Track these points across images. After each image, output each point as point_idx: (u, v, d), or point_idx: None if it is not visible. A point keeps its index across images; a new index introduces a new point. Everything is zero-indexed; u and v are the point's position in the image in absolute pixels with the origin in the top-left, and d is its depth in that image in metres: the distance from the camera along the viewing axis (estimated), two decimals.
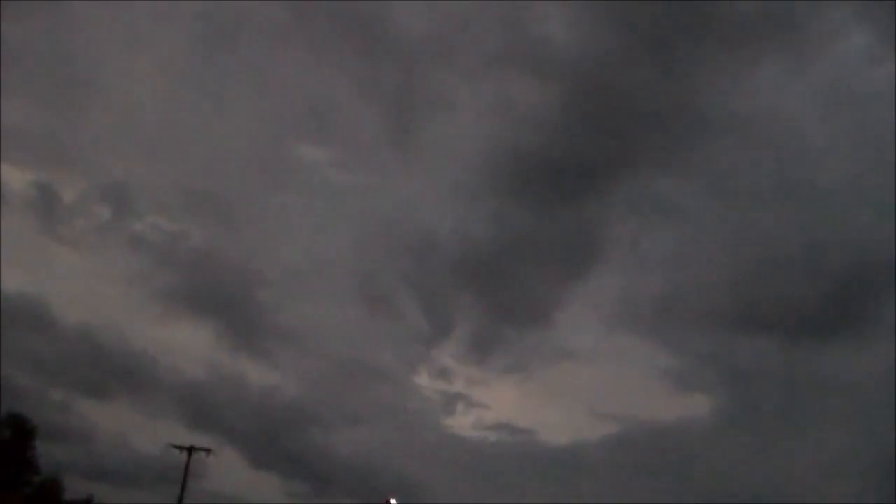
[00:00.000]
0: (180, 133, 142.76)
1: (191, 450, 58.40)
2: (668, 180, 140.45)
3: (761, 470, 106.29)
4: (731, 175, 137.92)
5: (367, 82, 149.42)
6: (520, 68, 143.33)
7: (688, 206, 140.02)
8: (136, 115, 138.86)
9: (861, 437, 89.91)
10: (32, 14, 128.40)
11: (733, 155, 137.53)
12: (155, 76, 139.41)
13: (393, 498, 46.29)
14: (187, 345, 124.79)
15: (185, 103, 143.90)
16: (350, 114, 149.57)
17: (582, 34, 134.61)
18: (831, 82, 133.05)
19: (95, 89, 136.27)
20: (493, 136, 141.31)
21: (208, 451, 59.25)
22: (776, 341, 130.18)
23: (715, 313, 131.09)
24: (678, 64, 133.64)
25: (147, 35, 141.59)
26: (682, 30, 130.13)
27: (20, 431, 69.18)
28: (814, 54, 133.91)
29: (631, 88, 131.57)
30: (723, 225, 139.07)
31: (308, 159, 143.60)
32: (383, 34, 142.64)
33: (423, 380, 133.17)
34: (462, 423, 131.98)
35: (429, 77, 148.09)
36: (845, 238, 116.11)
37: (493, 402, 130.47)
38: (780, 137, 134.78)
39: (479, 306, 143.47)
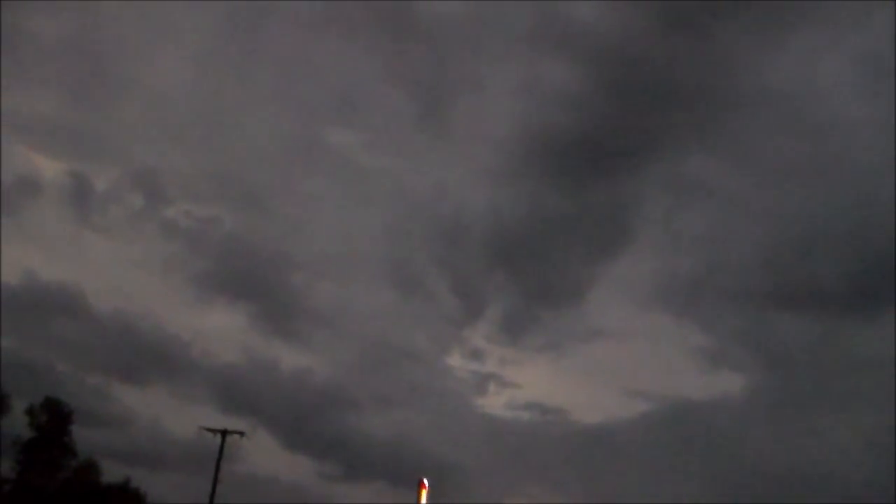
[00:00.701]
0: (211, 119, 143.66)
1: (224, 433, 58.70)
2: (701, 158, 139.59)
3: (794, 448, 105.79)
4: (763, 152, 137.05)
5: (396, 65, 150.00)
6: (549, 48, 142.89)
7: (720, 183, 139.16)
8: (167, 102, 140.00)
9: (894, 414, 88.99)
10: (63, 6, 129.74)
11: (766, 131, 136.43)
12: (185, 63, 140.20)
13: (425, 478, 46.17)
14: (221, 329, 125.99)
15: (214, 90, 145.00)
16: (380, 97, 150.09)
17: (611, 12, 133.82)
18: (864, 56, 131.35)
19: (126, 78, 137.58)
20: (524, 117, 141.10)
21: (242, 434, 59.56)
22: (809, 319, 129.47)
23: (748, 291, 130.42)
24: (709, 40, 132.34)
25: (176, 23, 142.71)
26: (712, 5, 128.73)
27: (57, 416, 70.04)
28: (847, 28, 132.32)
29: (661, 66, 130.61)
30: (756, 202, 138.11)
31: (339, 143, 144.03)
32: (412, 16, 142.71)
33: (455, 360, 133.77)
34: (494, 402, 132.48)
35: (458, 58, 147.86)
36: (880, 214, 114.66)
37: (525, 381, 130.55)
38: (813, 113, 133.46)
39: (510, 286, 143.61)
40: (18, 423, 68.51)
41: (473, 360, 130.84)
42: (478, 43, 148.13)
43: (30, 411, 69.18)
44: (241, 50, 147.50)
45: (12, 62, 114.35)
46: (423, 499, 46.24)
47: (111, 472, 74.79)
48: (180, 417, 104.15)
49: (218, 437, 58.56)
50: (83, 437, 72.43)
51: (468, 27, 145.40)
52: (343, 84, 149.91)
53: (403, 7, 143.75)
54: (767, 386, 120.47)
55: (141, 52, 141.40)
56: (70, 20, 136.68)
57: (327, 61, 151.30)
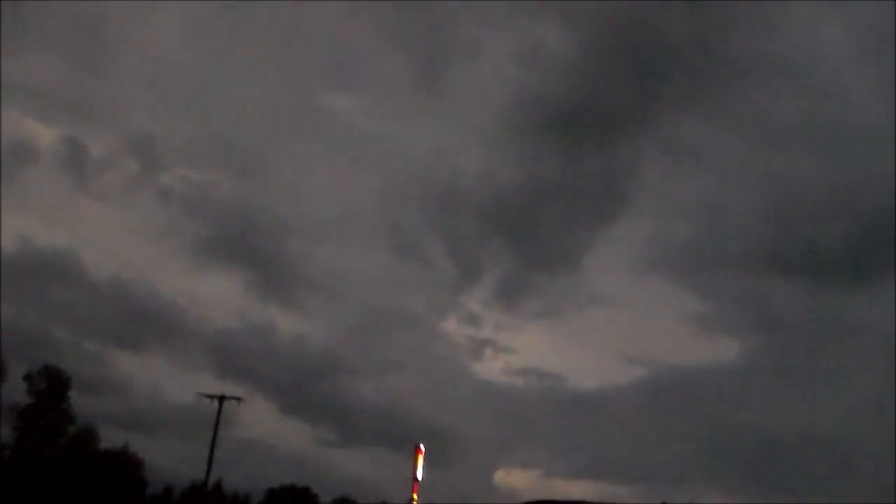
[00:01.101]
0: (207, 85, 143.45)
1: (221, 398, 58.85)
2: (697, 124, 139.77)
3: (789, 412, 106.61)
4: (761, 117, 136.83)
5: (393, 29, 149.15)
6: (547, 14, 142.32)
7: (717, 149, 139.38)
8: (163, 68, 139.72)
9: (888, 380, 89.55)
10: None
11: (763, 97, 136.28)
12: (181, 29, 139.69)
13: (422, 443, 46.53)
14: (217, 295, 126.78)
15: (210, 55, 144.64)
16: (376, 61, 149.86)
17: None
18: (864, 22, 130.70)
19: (121, 44, 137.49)
20: (520, 82, 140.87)
21: (239, 399, 59.75)
22: (804, 285, 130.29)
23: (743, 257, 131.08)
24: (707, 6, 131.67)
25: None
26: None
27: (56, 383, 70.12)
28: None
29: (659, 31, 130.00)
30: (752, 168, 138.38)
31: (334, 107, 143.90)
32: None
33: (451, 326, 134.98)
34: (490, 368, 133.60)
35: (456, 24, 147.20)
36: (876, 183, 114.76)
37: (521, 347, 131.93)
38: (811, 80, 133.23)
39: (507, 252, 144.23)
40: (17, 390, 68.76)
41: (470, 326, 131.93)
42: (475, 9, 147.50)
43: (28, 378, 69.27)
44: (238, 15, 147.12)
45: (8, 29, 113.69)
46: (420, 463, 46.69)
47: (109, 438, 75.39)
48: (178, 383, 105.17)
49: (215, 403, 58.77)
50: (81, 403, 72.88)
51: None
52: (340, 49, 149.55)
53: None
54: (762, 351, 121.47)
55: (137, 18, 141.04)
56: None
57: (324, 26, 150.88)
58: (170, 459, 79.82)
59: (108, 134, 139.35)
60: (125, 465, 74.23)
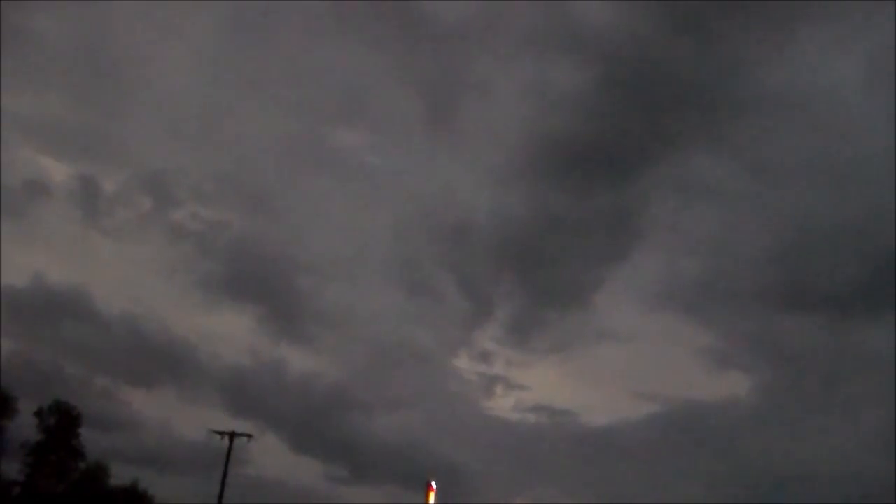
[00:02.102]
0: (218, 122, 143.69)
1: (232, 435, 58.87)
2: (708, 159, 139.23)
3: (803, 448, 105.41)
4: (771, 153, 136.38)
5: (402, 65, 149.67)
6: (557, 50, 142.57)
7: (728, 184, 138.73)
8: (175, 104, 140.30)
9: None
10: (71, 8, 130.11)
11: (773, 132, 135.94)
12: (192, 65, 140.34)
13: (433, 480, 46.17)
14: (228, 332, 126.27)
15: (221, 92, 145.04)
16: (386, 97, 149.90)
17: (619, 14, 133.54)
18: (872, 56, 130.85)
19: (134, 81, 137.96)
20: (531, 118, 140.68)
21: (249, 436, 59.77)
22: (817, 319, 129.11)
23: (756, 292, 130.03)
24: (716, 42, 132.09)
25: (184, 25, 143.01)
26: (719, 7, 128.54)
27: (66, 419, 70.02)
28: (853, 28, 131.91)
29: (669, 68, 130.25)
30: (763, 203, 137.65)
31: (346, 144, 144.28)
32: (419, 17, 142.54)
33: (463, 362, 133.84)
34: (502, 405, 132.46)
35: (465, 60, 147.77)
36: (888, 215, 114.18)
37: (533, 383, 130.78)
38: (820, 114, 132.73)
39: (518, 288, 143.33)
40: (27, 426, 68.66)
41: (481, 362, 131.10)
42: (486, 44, 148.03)
43: (38, 414, 69.23)
44: (249, 51, 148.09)
45: (21, 64, 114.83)
46: (432, 501, 46.30)
47: (119, 475, 74.89)
48: (188, 420, 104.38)
49: (226, 440, 58.74)
50: (91, 439, 72.59)
51: (476, 28, 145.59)
52: (350, 85, 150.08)
53: (411, 8, 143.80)
54: (775, 387, 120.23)
55: (149, 55, 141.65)
56: (78, 23, 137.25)
57: (334, 62, 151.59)
58: (180, 496, 78.94)
59: (120, 170, 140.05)
60: (135, 501, 73.82)
